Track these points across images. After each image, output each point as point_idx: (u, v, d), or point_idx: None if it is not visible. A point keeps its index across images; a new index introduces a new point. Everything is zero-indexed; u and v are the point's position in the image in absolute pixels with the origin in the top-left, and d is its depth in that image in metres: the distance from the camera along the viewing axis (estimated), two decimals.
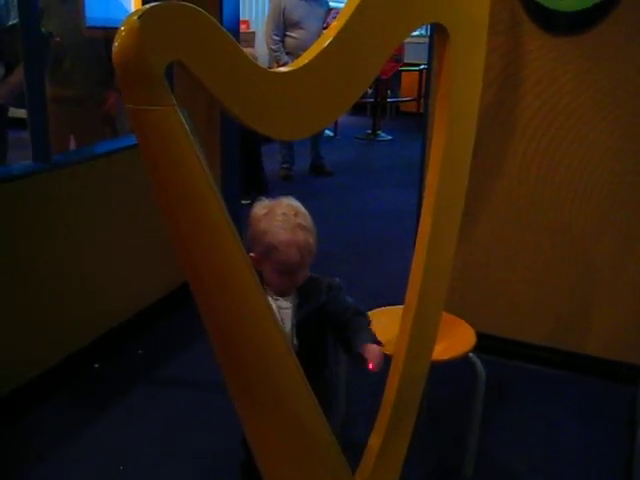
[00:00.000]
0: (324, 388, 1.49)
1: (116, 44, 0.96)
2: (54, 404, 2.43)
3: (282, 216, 1.43)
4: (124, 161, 2.74)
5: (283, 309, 1.51)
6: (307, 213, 1.47)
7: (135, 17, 0.94)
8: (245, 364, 1.25)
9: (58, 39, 3.14)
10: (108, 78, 3.40)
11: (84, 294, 2.64)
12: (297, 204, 1.48)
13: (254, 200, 1.51)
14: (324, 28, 5.34)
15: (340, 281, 1.58)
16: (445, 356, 1.85)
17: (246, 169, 4.98)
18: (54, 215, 2.46)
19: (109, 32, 3.27)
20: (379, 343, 1.47)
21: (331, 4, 6.02)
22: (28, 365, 2.41)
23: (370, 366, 1.40)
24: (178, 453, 2.20)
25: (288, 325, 1.50)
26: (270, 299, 1.44)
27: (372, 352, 1.42)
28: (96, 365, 2.68)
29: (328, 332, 1.57)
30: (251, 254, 1.39)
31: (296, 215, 1.44)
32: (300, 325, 1.51)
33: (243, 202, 3.58)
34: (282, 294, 1.51)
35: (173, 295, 3.06)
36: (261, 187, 4.97)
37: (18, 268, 2.34)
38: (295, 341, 1.51)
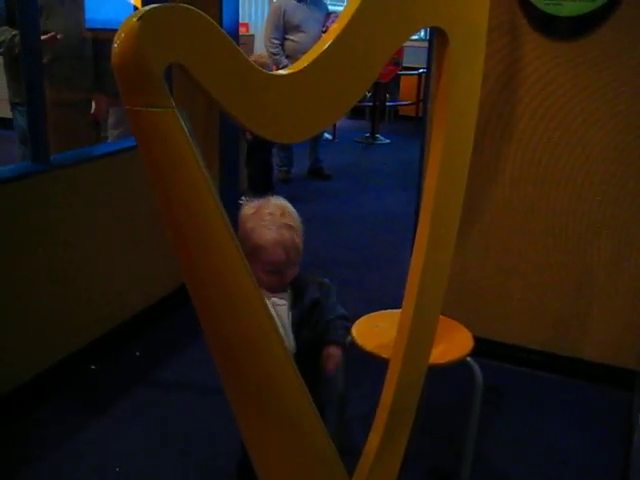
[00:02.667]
0: (320, 390, 1.49)
1: (115, 46, 0.96)
2: (52, 405, 2.42)
3: (269, 216, 1.46)
4: (123, 162, 2.74)
5: (278, 306, 1.52)
6: (294, 212, 1.50)
7: (134, 19, 0.94)
8: (244, 369, 1.25)
9: (60, 36, 3.02)
10: (95, 82, 3.32)
11: (83, 295, 2.63)
12: (285, 203, 1.51)
13: None
14: (323, 32, 5.35)
15: (329, 281, 1.61)
16: (443, 360, 1.85)
17: (260, 169, 4.97)
18: (53, 216, 2.45)
19: (98, 34, 3.22)
20: (343, 345, 1.54)
21: (330, 8, 6.03)
22: (26, 366, 2.41)
23: (326, 369, 1.49)
24: (175, 454, 2.20)
25: (285, 321, 1.52)
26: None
27: (329, 355, 1.50)
28: (93, 366, 2.68)
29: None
30: None
31: (282, 215, 1.46)
32: (298, 324, 1.53)
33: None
34: (273, 291, 1.52)
35: (171, 297, 3.05)
36: (269, 187, 4.95)
37: (17, 268, 2.33)
38: (292, 341, 1.52)
